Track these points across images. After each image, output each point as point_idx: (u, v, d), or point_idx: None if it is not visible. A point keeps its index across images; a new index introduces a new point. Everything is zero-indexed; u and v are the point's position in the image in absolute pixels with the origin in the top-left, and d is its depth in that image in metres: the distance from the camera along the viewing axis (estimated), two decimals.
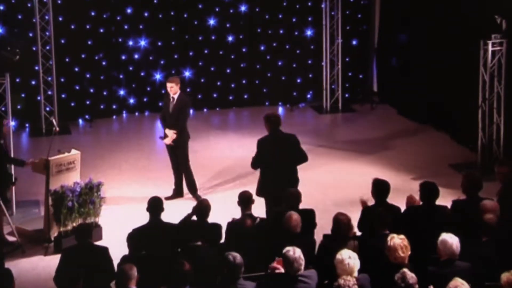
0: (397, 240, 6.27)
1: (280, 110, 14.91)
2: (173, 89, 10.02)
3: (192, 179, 10.17)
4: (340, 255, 6.02)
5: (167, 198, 9.79)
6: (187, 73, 14.60)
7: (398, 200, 7.78)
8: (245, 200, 7.56)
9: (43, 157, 9.01)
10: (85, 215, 8.86)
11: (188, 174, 10.16)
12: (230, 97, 14.98)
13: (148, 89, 14.51)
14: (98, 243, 8.49)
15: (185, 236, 7.11)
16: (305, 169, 11.41)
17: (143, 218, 7.57)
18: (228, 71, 14.88)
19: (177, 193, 10.21)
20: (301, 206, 7.62)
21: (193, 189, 10.19)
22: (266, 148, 8.43)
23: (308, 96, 15.16)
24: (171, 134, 10.00)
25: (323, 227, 7.64)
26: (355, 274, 5.97)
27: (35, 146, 12.67)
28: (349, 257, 5.98)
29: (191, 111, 12.68)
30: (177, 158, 10.14)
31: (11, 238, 8.99)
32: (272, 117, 8.50)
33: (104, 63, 14.10)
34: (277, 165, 8.36)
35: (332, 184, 10.83)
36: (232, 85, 14.95)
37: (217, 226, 7.47)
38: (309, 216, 7.58)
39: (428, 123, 13.35)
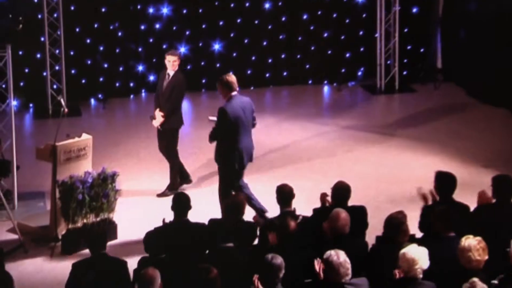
0: (473, 241, 6.21)
1: (326, 89, 14.85)
2: (175, 64, 10.09)
3: (175, 174, 10.19)
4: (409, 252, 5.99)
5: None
6: (216, 46, 14.59)
7: (466, 197, 7.69)
8: (285, 195, 7.54)
9: (49, 142, 9.08)
10: (98, 210, 8.91)
11: (173, 166, 10.19)
12: (267, 74, 14.94)
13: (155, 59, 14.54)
14: (112, 243, 8.59)
15: (214, 237, 7.11)
16: (354, 160, 11.40)
17: (165, 214, 7.59)
18: (264, 43, 14.83)
19: (182, 179, 10.27)
20: (350, 202, 7.59)
21: (172, 184, 10.16)
22: (234, 115, 8.79)
23: (359, 73, 15.05)
24: (160, 116, 10.06)
25: (375, 227, 7.58)
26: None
27: (40, 129, 12.81)
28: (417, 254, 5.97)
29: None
30: (164, 145, 10.21)
31: (12, 236, 9.09)
32: (228, 77, 8.96)
33: (120, 33, 14.16)
34: (245, 131, 8.90)
35: (387, 178, 10.76)
36: (269, 60, 14.91)
37: (252, 226, 7.46)
38: (359, 215, 7.55)
39: (502, 106, 13.15)
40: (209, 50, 14.61)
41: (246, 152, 8.99)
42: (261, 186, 10.04)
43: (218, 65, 14.58)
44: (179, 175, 10.28)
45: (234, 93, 8.98)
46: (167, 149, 10.22)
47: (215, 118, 8.98)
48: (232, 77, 8.99)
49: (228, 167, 8.92)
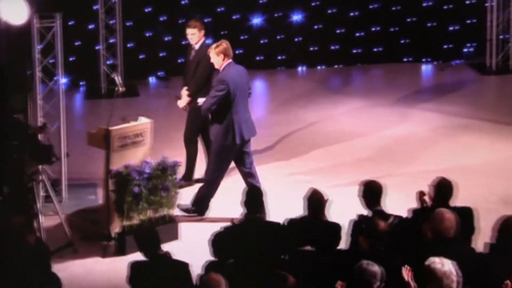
0: None
1: (425, 69, 14.67)
2: (194, 37, 10.15)
3: (193, 161, 10.26)
4: None
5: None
6: (296, 17, 14.55)
7: None
8: (374, 193, 7.49)
9: (102, 126, 9.19)
10: (156, 205, 9.00)
11: (190, 152, 10.23)
12: (355, 50, 14.85)
13: (243, 37, 14.57)
14: (173, 244, 8.65)
15: (292, 238, 7.11)
16: (460, 152, 11.20)
17: (234, 211, 7.63)
18: (351, 14, 14.74)
19: (185, 176, 10.28)
20: (454, 202, 7.49)
21: (188, 173, 10.23)
22: (234, 85, 9.21)
23: (466, 50, 14.85)
24: (185, 96, 10.13)
25: (484, 232, 7.47)
26: None
27: (92, 111, 13.02)
28: None
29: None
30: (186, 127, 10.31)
31: (59, 233, 9.25)
32: (224, 43, 9.38)
33: (183, 1, 14.26)
34: (244, 102, 9.35)
35: (500, 174, 10.59)
36: (358, 34, 14.81)
37: (336, 227, 7.43)
38: (465, 217, 7.43)
39: None
40: (287, 21, 14.59)
41: (246, 125, 9.35)
42: (344, 182, 10.00)
43: (297, 39, 14.55)
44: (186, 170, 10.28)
45: (230, 61, 9.34)
46: (187, 131, 10.27)
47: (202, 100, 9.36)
48: (227, 44, 9.40)
49: (226, 141, 9.29)
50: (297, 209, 7.63)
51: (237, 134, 9.30)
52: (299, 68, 14.85)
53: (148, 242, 7.09)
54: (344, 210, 8.17)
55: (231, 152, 9.40)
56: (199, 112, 9.71)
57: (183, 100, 10.20)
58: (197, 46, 10.24)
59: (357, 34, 14.79)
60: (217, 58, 9.38)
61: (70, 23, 13.49)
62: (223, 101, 9.23)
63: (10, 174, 8.53)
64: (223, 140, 9.32)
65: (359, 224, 7.29)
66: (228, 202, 9.35)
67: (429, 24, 14.76)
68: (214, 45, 9.44)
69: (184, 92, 10.20)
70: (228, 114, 9.28)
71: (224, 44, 9.39)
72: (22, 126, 8.81)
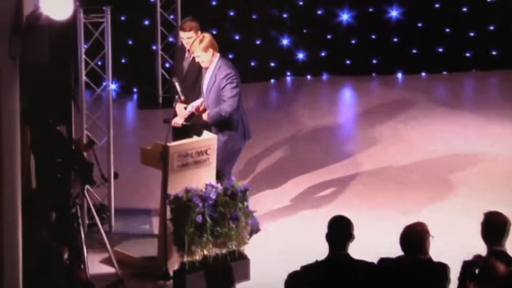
0: None
1: None
2: (190, 41, 9.98)
3: None
4: None
5: None
6: (394, 12, 14.53)
7: None
8: (496, 228, 7.38)
9: (158, 142, 9.28)
10: (224, 239, 9.05)
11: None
12: (467, 54, 14.78)
13: (329, 36, 14.59)
14: (243, 284, 8.69)
15: (387, 282, 7.08)
16: None
17: (318, 249, 7.60)
18: (464, 9, 14.69)
19: None
20: None
21: None
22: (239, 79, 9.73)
23: None
24: (182, 110, 9.74)
25: None
26: None
27: (147, 123, 13.14)
28: None
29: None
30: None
31: (107, 269, 9.37)
32: (207, 36, 9.68)
33: None
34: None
35: None
36: (472, 34, 14.73)
37: (441, 268, 7.39)
38: None
39: None
40: (383, 18, 14.58)
41: (247, 124, 9.85)
42: (450, 216, 9.92)
43: (395, 39, 14.51)
44: None
45: (218, 54, 9.69)
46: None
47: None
48: (210, 35, 9.72)
49: (239, 144, 9.69)
50: (390, 247, 7.61)
51: (248, 131, 9.77)
52: (397, 75, 14.80)
53: (222, 282, 7.10)
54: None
55: (238, 153, 9.82)
56: (232, 142, 9.73)
57: (180, 115, 9.77)
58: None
59: (471, 34, 14.68)
60: (206, 55, 9.58)
61: (122, 18, 13.68)
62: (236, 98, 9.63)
63: (55, 197, 8.63)
64: (238, 143, 9.68)
65: (472, 266, 7.22)
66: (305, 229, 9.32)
67: None
68: (196, 42, 9.60)
69: (180, 106, 9.82)
70: (237, 113, 9.66)
71: (208, 36, 9.64)
72: (66, 141, 8.93)
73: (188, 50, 10.14)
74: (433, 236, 7.39)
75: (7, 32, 7.02)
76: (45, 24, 8.46)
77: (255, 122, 12.65)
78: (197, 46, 9.57)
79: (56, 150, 8.66)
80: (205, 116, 9.60)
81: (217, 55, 9.69)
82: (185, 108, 9.78)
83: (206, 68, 9.67)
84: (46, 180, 8.64)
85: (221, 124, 9.62)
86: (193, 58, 10.01)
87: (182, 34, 10.26)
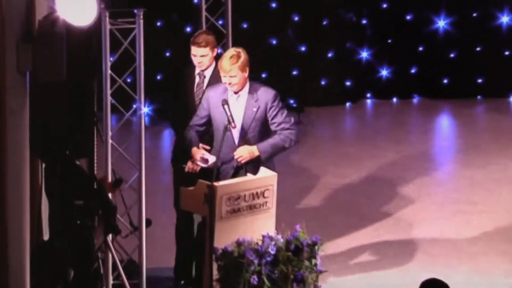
0: None
1: None
2: (206, 60, 10.14)
3: None
4: None
5: None
6: (505, 18, 14.54)
7: None
8: None
9: (203, 180, 9.34)
10: None
11: None
12: None
13: (421, 48, 14.65)
14: None
15: None
16: None
17: None
18: None
19: None
20: None
21: None
22: None
23: None
24: (201, 154, 9.71)
25: None
26: None
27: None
28: None
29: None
30: None
31: None
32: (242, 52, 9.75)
33: None
34: None
35: None
36: None
37: None
38: None
39: None
40: (492, 25, 14.60)
41: None
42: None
43: (507, 52, 14.52)
44: None
45: None
46: None
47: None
48: (243, 50, 9.76)
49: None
50: None
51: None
52: (511, 98, 14.79)
53: None
54: None
55: None
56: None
57: (198, 155, 9.78)
58: (208, 72, 10.26)
59: None
60: (243, 75, 9.64)
61: (157, 24, 13.81)
62: None
63: (73, 250, 8.69)
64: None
65: None
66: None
67: None
68: (231, 59, 9.57)
69: (197, 151, 9.79)
70: None
71: (242, 52, 9.69)
72: (87, 178, 8.97)
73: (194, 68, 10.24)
74: None
75: (14, 41, 7.08)
76: (62, 32, 8.56)
77: (325, 157, 12.76)
78: (234, 64, 9.57)
79: (75, 190, 8.72)
80: (253, 153, 9.66)
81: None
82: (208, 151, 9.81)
83: (235, 93, 9.69)
84: (61, 228, 8.72)
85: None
86: (199, 79, 10.25)
87: (194, 51, 10.27)
